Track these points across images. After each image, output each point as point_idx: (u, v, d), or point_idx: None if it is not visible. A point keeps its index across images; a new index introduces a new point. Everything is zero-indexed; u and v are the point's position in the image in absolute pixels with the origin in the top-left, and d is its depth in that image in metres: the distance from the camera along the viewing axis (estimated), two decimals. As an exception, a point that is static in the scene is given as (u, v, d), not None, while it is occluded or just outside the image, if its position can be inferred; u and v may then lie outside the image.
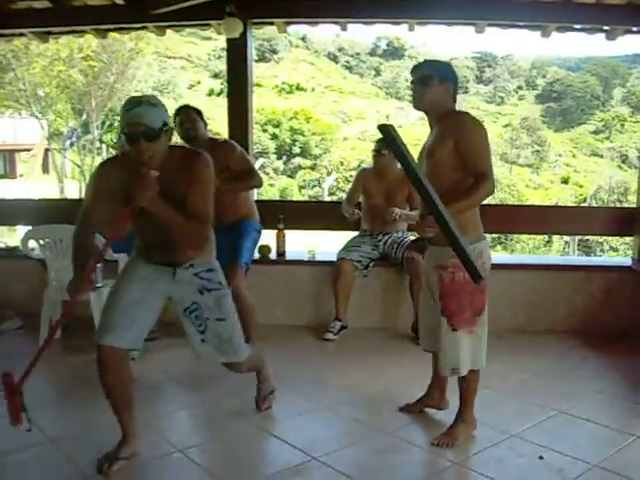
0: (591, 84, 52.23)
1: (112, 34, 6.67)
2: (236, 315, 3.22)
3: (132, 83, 22.50)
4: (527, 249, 19.23)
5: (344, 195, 5.75)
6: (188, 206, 2.83)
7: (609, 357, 4.77)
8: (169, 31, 6.11)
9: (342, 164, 31.19)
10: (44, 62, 18.80)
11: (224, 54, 6.10)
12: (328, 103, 46.78)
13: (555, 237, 18.93)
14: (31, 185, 23.80)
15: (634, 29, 5.53)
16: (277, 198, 27.61)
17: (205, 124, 4.68)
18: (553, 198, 31.75)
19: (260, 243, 5.14)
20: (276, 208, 5.77)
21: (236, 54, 5.67)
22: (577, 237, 15.89)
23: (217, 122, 18.50)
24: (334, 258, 5.28)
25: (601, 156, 45.30)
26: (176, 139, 3.60)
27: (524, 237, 19.25)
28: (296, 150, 36.79)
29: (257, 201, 5.21)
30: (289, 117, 38.00)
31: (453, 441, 3.26)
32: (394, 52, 58.24)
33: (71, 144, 24.90)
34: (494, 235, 16.66)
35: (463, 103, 41.87)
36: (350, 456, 3.20)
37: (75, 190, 22.29)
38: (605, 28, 5.58)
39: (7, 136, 25.99)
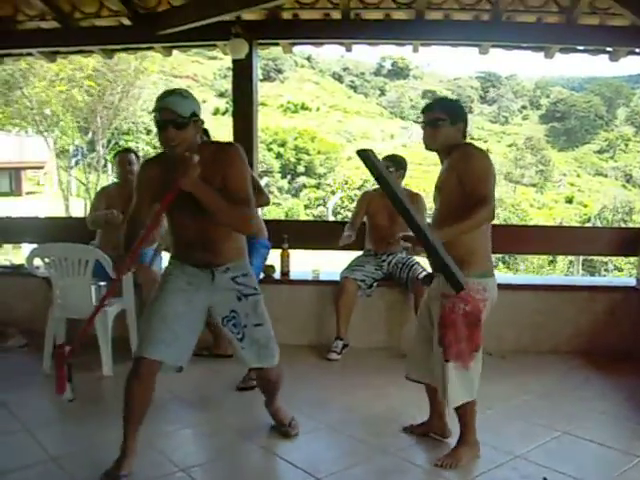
0: (595, 104, 52.41)
1: (118, 54, 6.73)
2: (269, 321, 3.30)
3: (137, 102, 22.55)
4: (531, 268, 19.19)
5: (349, 214, 5.76)
6: (228, 191, 2.95)
7: (613, 378, 4.75)
8: (175, 51, 6.16)
9: (346, 183, 31.18)
10: (44, 83, 18.88)
11: (230, 73, 6.14)
12: (333, 122, 47.00)
13: (560, 257, 18.89)
14: (48, 202, 23.95)
15: (637, 50, 5.58)
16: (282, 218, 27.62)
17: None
18: (557, 218, 31.75)
19: (265, 263, 5.14)
20: (280, 227, 5.77)
21: (241, 74, 5.71)
22: (581, 257, 15.86)
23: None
24: (338, 278, 5.28)
25: (605, 175, 45.38)
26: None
27: (528, 256, 19.21)
28: (300, 169, 36.90)
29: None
30: (294, 136, 38.12)
31: (457, 462, 3.24)
32: (399, 72, 58.60)
33: (76, 162, 24.97)
34: (498, 255, 16.63)
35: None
36: (353, 476, 3.19)
37: (80, 208, 22.32)
38: (608, 49, 5.62)
39: (13, 154, 26.09)
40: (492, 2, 5.31)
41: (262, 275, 5.32)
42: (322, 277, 5.61)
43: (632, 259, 12.81)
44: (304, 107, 48.16)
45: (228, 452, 3.47)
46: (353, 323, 5.23)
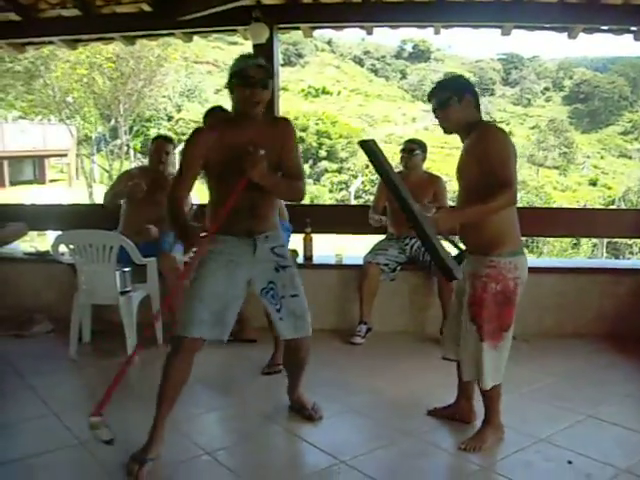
0: (619, 85, 51.75)
1: (140, 40, 6.74)
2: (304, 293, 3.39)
3: (160, 89, 22.59)
4: (554, 252, 19.02)
5: (371, 198, 5.76)
6: (287, 167, 3.20)
7: (637, 360, 4.73)
8: (195, 37, 6.16)
9: (367, 167, 31.05)
10: (65, 66, 18.95)
11: (250, 59, 6.11)
12: (354, 106, 46.80)
13: (583, 240, 18.72)
14: (70, 191, 24.13)
15: (662, 29, 5.48)
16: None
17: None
18: (581, 200, 31.44)
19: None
20: (303, 212, 5.77)
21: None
22: (605, 240, 15.72)
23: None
24: (361, 262, 5.29)
25: (630, 157, 44.85)
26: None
27: (551, 239, 19.06)
28: (322, 154, 36.76)
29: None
30: (315, 121, 37.99)
31: (481, 445, 3.25)
32: (420, 55, 58.19)
33: (98, 149, 25.12)
34: (522, 238, 16.52)
35: (489, 105, 41.75)
36: (378, 460, 3.21)
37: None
38: (632, 29, 5.53)
39: (37, 142, 26.28)
40: (514, -18, 5.24)
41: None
42: (345, 261, 5.61)
43: (657, 241, 12.75)
44: (325, 91, 47.97)
45: (253, 435, 3.51)
46: (376, 307, 5.24)
